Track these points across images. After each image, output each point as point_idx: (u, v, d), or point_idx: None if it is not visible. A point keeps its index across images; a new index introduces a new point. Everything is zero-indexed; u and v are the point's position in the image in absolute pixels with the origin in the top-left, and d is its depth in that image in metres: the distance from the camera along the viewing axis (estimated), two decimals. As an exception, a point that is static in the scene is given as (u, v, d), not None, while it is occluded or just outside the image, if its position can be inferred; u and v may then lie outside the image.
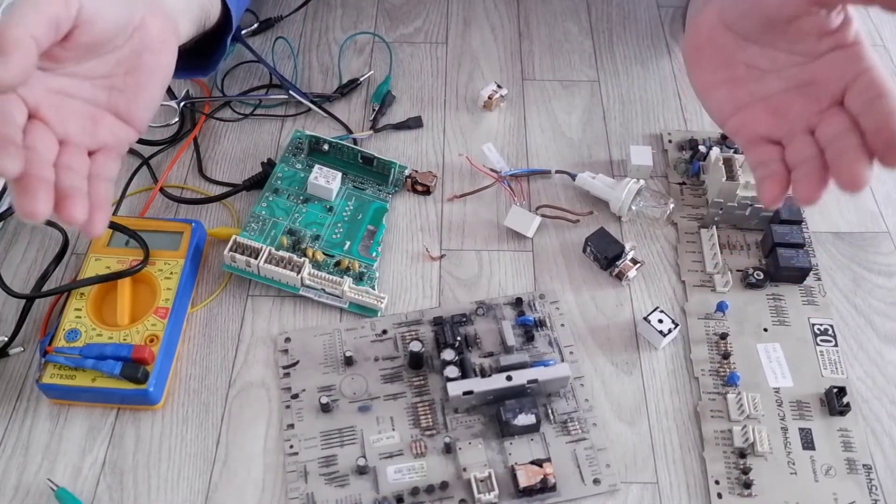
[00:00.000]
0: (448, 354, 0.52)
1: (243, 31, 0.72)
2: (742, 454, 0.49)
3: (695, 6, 0.52)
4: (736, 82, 0.46)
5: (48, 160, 0.40)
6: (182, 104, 0.66)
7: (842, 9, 0.42)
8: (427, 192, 0.62)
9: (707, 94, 0.48)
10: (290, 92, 0.67)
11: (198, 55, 0.57)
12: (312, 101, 0.67)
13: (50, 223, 0.58)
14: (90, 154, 0.43)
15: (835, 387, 0.51)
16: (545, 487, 0.47)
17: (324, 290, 0.55)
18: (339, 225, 0.59)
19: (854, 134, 0.40)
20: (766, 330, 0.55)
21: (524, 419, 0.49)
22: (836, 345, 0.54)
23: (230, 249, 0.55)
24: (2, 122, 0.38)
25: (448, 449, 0.49)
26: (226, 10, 0.56)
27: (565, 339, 0.54)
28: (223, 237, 0.58)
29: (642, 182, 0.60)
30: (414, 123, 0.67)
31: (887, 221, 0.62)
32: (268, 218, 0.59)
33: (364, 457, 0.48)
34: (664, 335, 0.53)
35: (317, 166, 0.60)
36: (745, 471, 0.48)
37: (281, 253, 0.55)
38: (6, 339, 0.53)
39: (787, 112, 0.44)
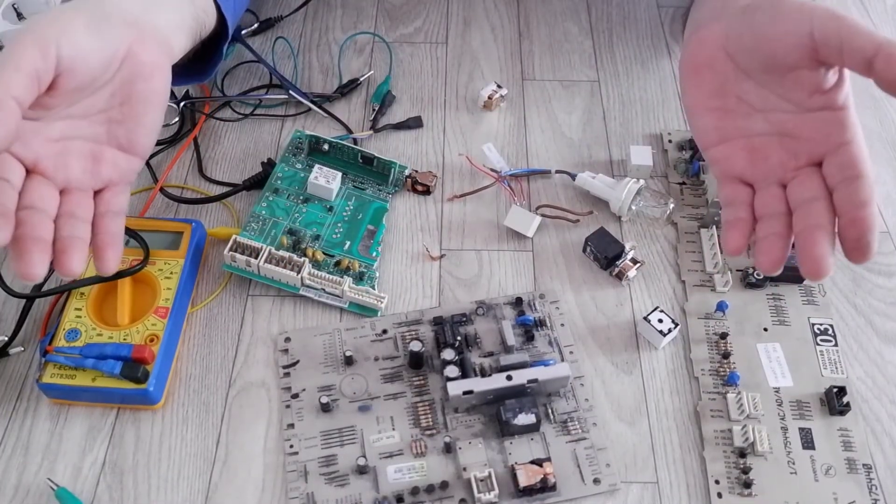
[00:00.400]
0: (448, 354, 0.52)
1: (243, 31, 0.72)
2: (742, 454, 0.49)
3: (697, 15, 0.52)
4: (725, 113, 0.46)
5: (48, 216, 0.40)
6: (182, 104, 0.66)
7: (838, 69, 0.42)
8: (427, 192, 0.62)
9: (696, 116, 0.48)
10: (290, 92, 0.67)
11: (195, 61, 0.57)
12: (312, 101, 0.67)
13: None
14: (97, 193, 0.43)
15: (835, 386, 0.51)
16: (545, 487, 0.47)
17: (324, 289, 0.55)
18: (339, 225, 0.59)
19: (825, 209, 0.40)
20: (766, 330, 0.55)
21: (524, 419, 0.49)
22: (836, 345, 0.54)
23: (230, 249, 0.55)
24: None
25: (448, 448, 0.49)
26: (222, 18, 0.55)
27: (565, 338, 0.54)
28: (223, 237, 0.58)
29: (642, 182, 0.60)
30: (414, 123, 0.67)
31: (887, 221, 0.62)
32: (268, 218, 0.59)
33: (364, 456, 0.48)
34: (664, 335, 0.53)
35: (317, 166, 0.60)
36: (745, 470, 0.48)
37: (281, 253, 0.55)
38: (6, 338, 0.53)
39: (764, 158, 0.45)
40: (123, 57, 0.43)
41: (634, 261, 0.57)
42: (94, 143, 0.43)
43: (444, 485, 0.47)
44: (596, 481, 0.48)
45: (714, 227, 0.59)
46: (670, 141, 0.66)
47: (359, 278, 0.56)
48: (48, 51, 0.39)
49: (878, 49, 0.38)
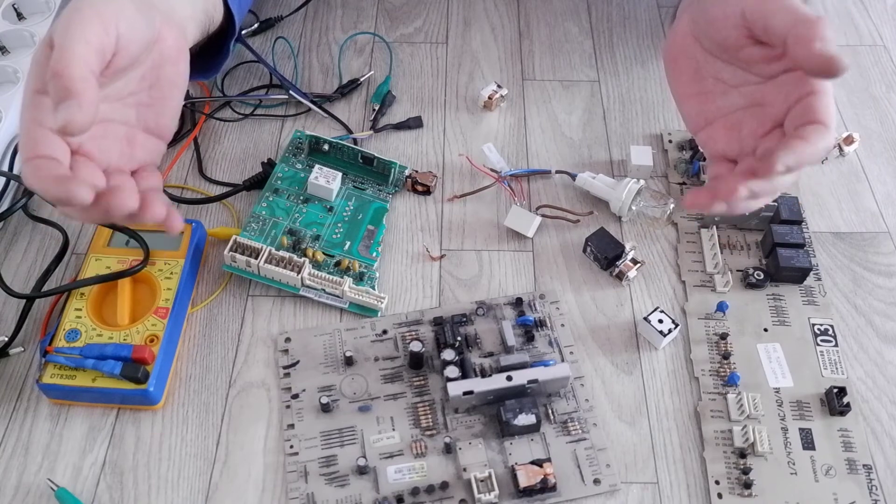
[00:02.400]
0: (448, 354, 0.52)
1: (243, 31, 0.72)
2: (742, 454, 0.49)
3: (679, 10, 0.53)
4: (706, 95, 0.47)
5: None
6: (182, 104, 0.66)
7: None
8: (427, 192, 0.62)
9: (681, 103, 0.49)
10: (291, 92, 0.67)
11: (200, 58, 0.57)
12: (312, 101, 0.67)
13: (49, 222, 0.58)
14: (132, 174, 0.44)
15: (835, 387, 0.51)
16: (545, 487, 0.47)
17: (324, 290, 0.55)
18: (340, 225, 0.59)
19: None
20: (766, 330, 0.55)
21: (524, 419, 0.49)
22: (836, 345, 0.54)
23: (230, 249, 0.55)
24: (54, 169, 0.38)
25: (448, 449, 0.49)
26: (228, 15, 0.55)
27: (565, 339, 0.54)
28: (223, 237, 0.58)
29: (642, 182, 0.60)
30: (414, 123, 0.67)
31: (887, 221, 0.62)
32: (268, 218, 0.59)
33: (364, 457, 0.48)
34: (664, 335, 0.53)
35: (317, 166, 0.60)
36: (746, 471, 0.48)
37: (281, 253, 0.55)
38: (6, 339, 0.53)
39: (739, 131, 0.45)
40: (155, 40, 0.43)
41: (635, 261, 0.57)
42: (127, 126, 0.44)
43: (444, 485, 0.47)
44: (596, 482, 0.48)
45: (714, 227, 0.59)
46: (670, 141, 0.66)
47: (359, 278, 0.56)
48: (109, 27, 0.39)
49: (790, 28, 0.39)
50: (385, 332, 0.54)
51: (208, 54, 0.57)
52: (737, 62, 0.45)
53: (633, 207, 0.60)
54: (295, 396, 0.51)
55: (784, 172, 0.39)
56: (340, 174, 0.60)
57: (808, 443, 0.50)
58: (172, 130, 0.46)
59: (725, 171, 0.45)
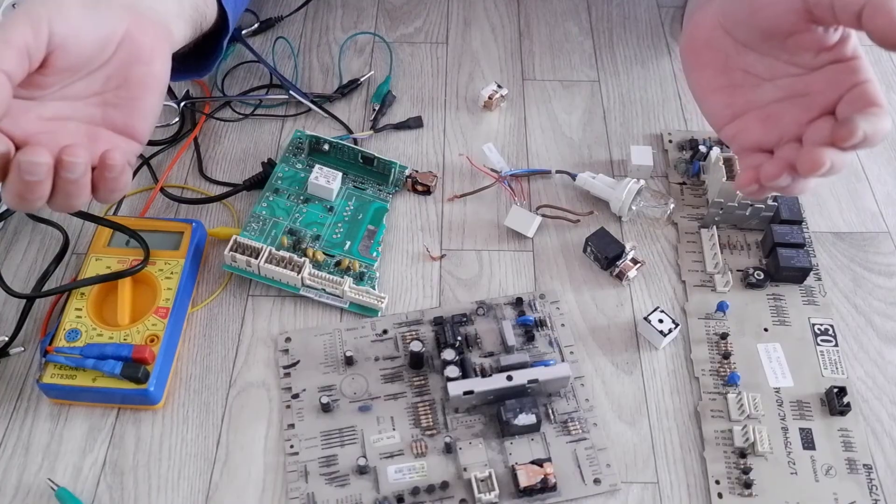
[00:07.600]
0: (448, 354, 0.52)
1: (243, 31, 0.72)
2: (742, 454, 0.49)
3: (693, 4, 0.52)
4: (734, 89, 0.46)
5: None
6: (182, 104, 0.66)
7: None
8: (427, 192, 0.62)
9: (704, 98, 0.48)
10: (291, 92, 0.67)
11: (194, 57, 0.56)
12: (313, 101, 0.67)
13: (49, 222, 0.58)
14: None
15: (835, 387, 0.51)
16: (545, 487, 0.47)
17: (324, 289, 0.55)
18: (340, 225, 0.59)
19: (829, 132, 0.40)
20: (766, 330, 0.55)
21: (524, 419, 0.49)
22: (836, 345, 0.54)
23: (230, 249, 0.55)
24: None
25: (448, 449, 0.49)
26: (222, 13, 0.55)
27: (566, 338, 0.54)
28: (223, 237, 0.58)
29: (642, 182, 0.60)
30: (414, 123, 0.67)
31: (887, 221, 0.62)
32: (268, 218, 0.59)
33: (364, 457, 0.48)
34: (664, 335, 0.53)
35: (317, 166, 0.60)
36: (746, 471, 0.48)
37: (281, 253, 0.55)
38: (7, 338, 0.53)
39: (778, 121, 0.44)
40: (121, 40, 0.43)
41: (635, 261, 0.57)
42: (89, 125, 0.43)
43: (444, 485, 0.47)
44: (596, 481, 0.48)
45: (714, 227, 0.59)
46: (671, 141, 0.66)
47: (359, 278, 0.56)
48: (40, 27, 0.38)
49: (866, 1, 0.37)
50: (385, 331, 0.54)
51: (203, 52, 0.57)
52: (776, 53, 0.44)
53: (633, 207, 0.60)
54: (295, 396, 0.51)
55: (861, 142, 0.38)
56: (340, 174, 0.60)
57: (808, 443, 0.50)
58: (146, 131, 0.45)
59: (763, 160, 0.43)
